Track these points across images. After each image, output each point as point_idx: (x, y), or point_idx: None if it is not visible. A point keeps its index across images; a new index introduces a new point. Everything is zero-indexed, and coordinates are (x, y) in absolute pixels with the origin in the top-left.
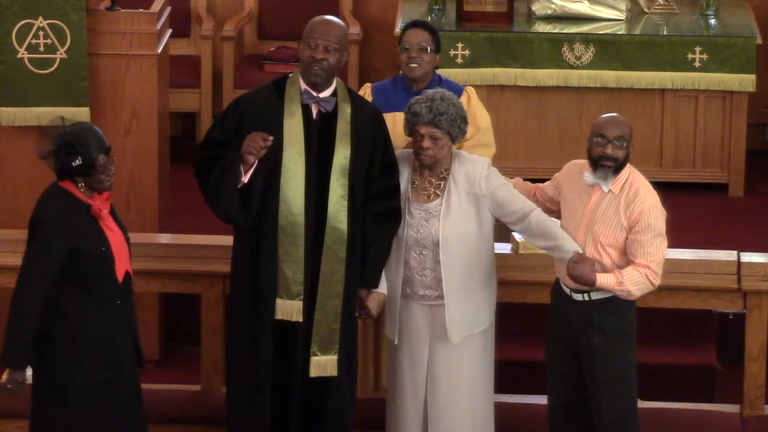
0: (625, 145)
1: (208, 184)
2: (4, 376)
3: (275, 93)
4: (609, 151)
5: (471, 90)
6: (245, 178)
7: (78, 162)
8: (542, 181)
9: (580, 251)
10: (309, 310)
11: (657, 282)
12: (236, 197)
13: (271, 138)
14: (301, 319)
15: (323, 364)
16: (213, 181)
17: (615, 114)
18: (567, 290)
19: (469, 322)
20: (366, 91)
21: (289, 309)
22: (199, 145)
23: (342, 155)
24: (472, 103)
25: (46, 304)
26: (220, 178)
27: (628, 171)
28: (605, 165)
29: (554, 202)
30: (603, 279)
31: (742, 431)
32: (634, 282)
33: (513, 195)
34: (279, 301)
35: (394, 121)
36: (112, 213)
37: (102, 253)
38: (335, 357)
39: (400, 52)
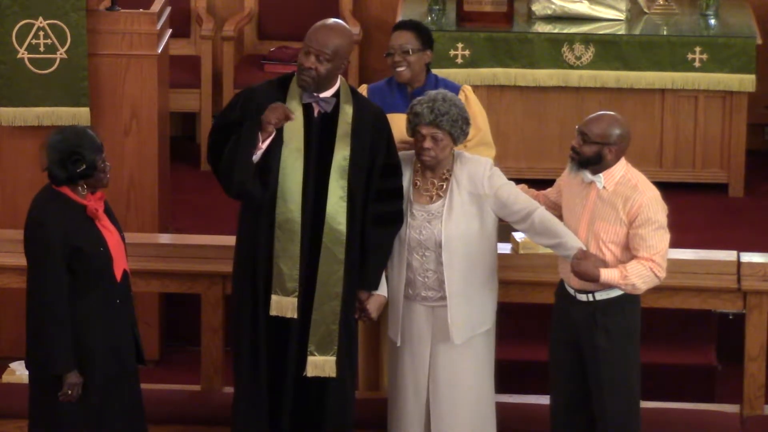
0: (589, 142)
1: (221, 158)
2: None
3: (279, 89)
4: (573, 142)
5: (468, 89)
6: (262, 145)
7: (83, 167)
8: (542, 181)
9: (584, 248)
10: (305, 308)
11: (662, 274)
12: (251, 165)
13: (293, 114)
14: (295, 316)
15: (321, 364)
16: (228, 150)
17: (605, 113)
18: (571, 291)
19: (471, 323)
20: (362, 93)
21: (283, 305)
22: (209, 132)
23: (341, 156)
24: (471, 102)
25: (67, 300)
26: (235, 146)
27: (624, 169)
28: (569, 155)
29: (558, 207)
30: (607, 274)
31: (742, 431)
32: (638, 275)
33: (516, 194)
34: (274, 297)
35: (391, 122)
36: (108, 211)
37: (101, 253)
38: (334, 358)
39: (386, 57)
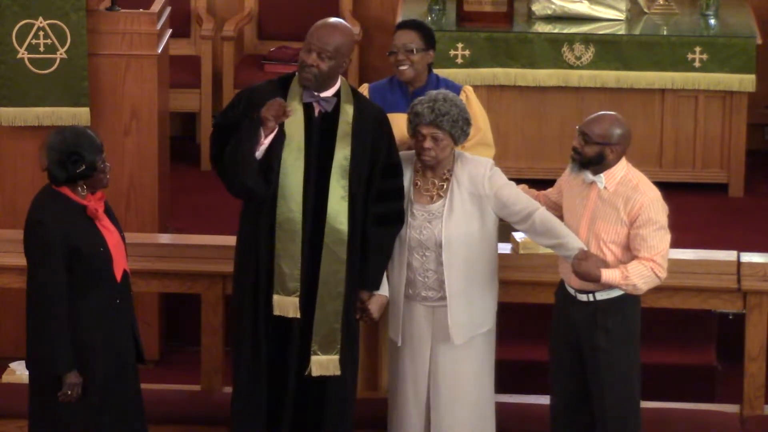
0: (590, 142)
1: (224, 157)
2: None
3: (280, 89)
4: (574, 142)
5: (469, 89)
6: (265, 141)
7: (82, 168)
8: (542, 181)
9: (585, 248)
10: (307, 308)
11: (663, 275)
12: (254, 162)
13: (291, 110)
14: (298, 315)
15: (325, 363)
16: (231, 148)
17: (606, 113)
18: (572, 291)
19: (471, 323)
20: (363, 92)
21: (285, 305)
22: (212, 130)
23: (342, 156)
24: (472, 103)
25: (67, 300)
26: (237, 144)
27: (625, 169)
28: (570, 155)
29: (559, 207)
30: (608, 274)
31: (742, 431)
32: (639, 275)
33: (516, 194)
34: (276, 297)
35: (392, 122)
36: (108, 211)
37: (101, 253)
38: (337, 357)
39: (389, 55)
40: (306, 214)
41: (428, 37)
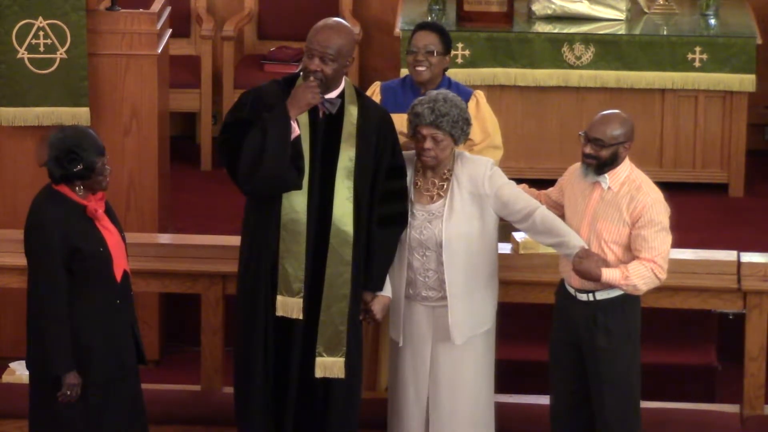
0: (606, 146)
1: (240, 154)
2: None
3: (284, 89)
4: (587, 149)
5: (480, 94)
6: (298, 130)
7: (80, 167)
8: (542, 181)
9: (586, 247)
10: (311, 309)
11: (663, 276)
12: (288, 151)
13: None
14: (301, 317)
15: (330, 365)
16: (254, 143)
17: (609, 113)
18: (572, 290)
19: (471, 323)
20: (375, 90)
21: (289, 306)
22: (221, 132)
23: (347, 157)
24: (481, 107)
25: (67, 300)
26: (263, 136)
27: (629, 169)
28: (585, 162)
29: (560, 206)
30: (608, 274)
31: (742, 431)
32: (639, 276)
33: (517, 194)
34: (280, 298)
35: (402, 122)
36: (108, 211)
37: (100, 253)
38: (342, 359)
39: (407, 55)
40: (311, 216)
41: (448, 42)
